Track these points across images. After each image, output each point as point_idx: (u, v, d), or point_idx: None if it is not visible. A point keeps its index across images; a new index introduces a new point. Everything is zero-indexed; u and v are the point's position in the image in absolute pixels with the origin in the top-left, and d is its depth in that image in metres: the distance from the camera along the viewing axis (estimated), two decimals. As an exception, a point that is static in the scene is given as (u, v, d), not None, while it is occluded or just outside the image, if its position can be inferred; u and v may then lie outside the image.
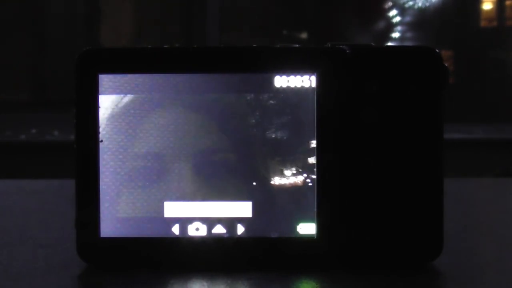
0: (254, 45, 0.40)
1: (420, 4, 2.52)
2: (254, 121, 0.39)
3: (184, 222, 0.39)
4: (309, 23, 2.59)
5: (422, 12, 2.54)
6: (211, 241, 0.39)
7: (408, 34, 2.57)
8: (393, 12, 2.56)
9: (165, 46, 0.39)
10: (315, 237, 0.39)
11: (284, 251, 0.39)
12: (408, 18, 2.56)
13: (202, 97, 0.39)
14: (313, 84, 0.39)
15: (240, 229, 0.39)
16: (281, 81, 0.39)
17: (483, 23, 2.62)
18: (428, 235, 0.39)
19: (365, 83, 0.39)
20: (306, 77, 0.39)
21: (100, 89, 0.39)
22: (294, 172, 0.39)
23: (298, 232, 0.39)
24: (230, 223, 0.39)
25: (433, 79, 0.39)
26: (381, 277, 0.37)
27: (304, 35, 2.63)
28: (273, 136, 0.39)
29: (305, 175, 0.39)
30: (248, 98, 0.39)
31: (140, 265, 0.39)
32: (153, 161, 0.39)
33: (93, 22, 2.50)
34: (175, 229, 0.39)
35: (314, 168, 0.39)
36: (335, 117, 0.39)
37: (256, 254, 0.39)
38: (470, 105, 2.44)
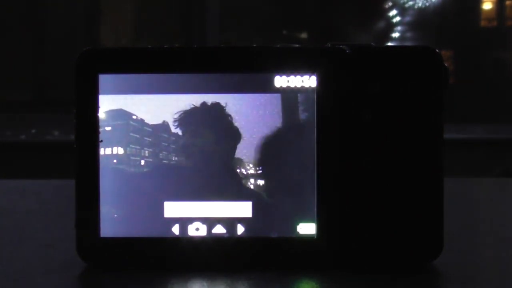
0: (254, 45, 0.40)
1: (420, 4, 2.52)
2: (254, 121, 0.39)
3: (184, 222, 0.39)
4: (309, 23, 2.59)
5: (422, 12, 2.54)
6: (211, 241, 0.39)
7: (408, 34, 2.57)
8: (393, 12, 2.56)
9: (165, 46, 0.39)
10: (315, 237, 0.39)
11: (284, 251, 0.39)
12: (408, 18, 2.56)
13: (202, 97, 0.39)
14: (313, 84, 0.39)
15: (240, 229, 0.39)
16: (281, 81, 0.39)
17: (483, 23, 2.62)
18: (428, 235, 0.39)
19: (365, 83, 0.39)
20: (306, 77, 0.39)
21: (100, 89, 0.39)
22: (294, 172, 0.39)
23: (298, 232, 0.39)
24: (230, 223, 0.39)
25: (433, 79, 0.39)
26: (381, 277, 0.38)
27: (304, 35, 2.63)
28: (273, 136, 0.39)
29: (305, 175, 0.39)
30: (248, 98, 0.39)
31: (140, 265, 0.39)
32: (153, 161, 0.39)
33: (93, 22, 2.49)
34: (175, 229, 0.39)
35: (314, 168, 0.39)
36: (335, 117, 0.39)
37: (256, 254, 0.39)
38: (470, 105, 2.44)
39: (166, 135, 0.39)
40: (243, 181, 0.39)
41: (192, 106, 0.39)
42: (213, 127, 0.39)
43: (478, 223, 0.57)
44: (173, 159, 0.39)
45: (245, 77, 0.39)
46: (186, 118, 0.39)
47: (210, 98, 0.39)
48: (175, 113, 0.39)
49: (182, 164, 0.39)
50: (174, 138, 0.39)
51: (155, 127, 0.39)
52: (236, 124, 0.39)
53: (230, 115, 0.39)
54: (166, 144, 0.39)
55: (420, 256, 0.39)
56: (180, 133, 0.39)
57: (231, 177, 0.40)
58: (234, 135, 0.39)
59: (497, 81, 2.55)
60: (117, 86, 0.39)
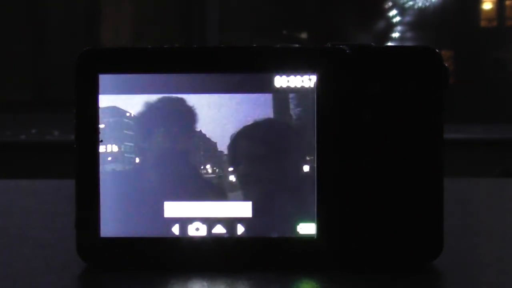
0: (254, 45, 0.40)
1: (420, 4, 2.52)
2: (254, 121, 0.39)
3: (184, 222, 0.39)
4: (309, 23, 2.59)
5: (422, 12, 2.54)
6: (211, 241, 0.39)
7: (408, 34, 2.57)
8: (393, 12, 2.56)
9: (165, 46, 0.39)
10: (315, 237, 0.39)
11: (284, 251, 0.39)
12: (408, 18, 2.56)
13: (202, 97, 0.39)
14: (313, 84, 0.39)
15: (240, 229, 0.39)
16: (281, 81, 0.39)
17: (483, 23, 2.62)
18: (428, 235, 0.39)
19: (365, 83, 0.39)
20: (306, 77, 0.39)
21: (100, 89, 0.39)
22: (294, 172, 0.39)
23: (298, 232, 0.39)
24: (230, 223, 0.39)
25: (433, 79, 0.39)
26: (381, 277, 0.37)
27: (304, 35, 2.63)
28: (273, 136, 0.39)
29: (305, 175, 0.39)
30: (248, 98, 0.39)
31: (140, 265, 0.39)
32: (153, 161, 0.39)
33: (93, 22, 2.49)
34: (175, 229, 0.39)
35: (314, 168, 0.39)
36: (335, 117, 0.39)
37: (256, 254, 0.39)
38: (470, 105, 2.44)
39: (166, 135, 0.39)
40: (243, 181, 0.39)
41: (192, 106, 0.39)
42: (213, 127, 0.39)
43: (478, 223, 0.57)
44: (173, 158, 0.39)
45: (245, 77, 0.39)
46: (186, 118, 0.39)
47: (210, 98, 0.39)
48: (175, 113, 0.39)
49: (182, 164, 0.39)
50: (173, 138, 0.39)
51: (155, 126, 0.39)
52: (235, 124, 0.39)
53: (229, 115, 0.39)
54: (166, 144, 0.39)
55: (420, 256, 0.39)
56: (180, 133, 0.39)
57: (230, 177, 0.40)
58: (233, 135, 0.39)
59: (497, 81, 2.55)
60: (117, 86, 0.39)
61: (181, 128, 0.39)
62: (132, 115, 0.39)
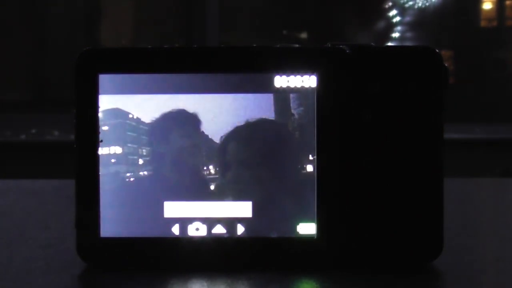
0: (254, 45, 0.40)
1: (420, 4, 2.52)
2: (254, 121, 0.39)
3: (184, 222, 0.39)
4: (309, 23, 2.59)
5: (422, 12, 2.54)
6: (211, 241, 0.39)
7: (408, 34, 2.57)
8: (393, 12, 2.56)
9: (165, 46, 0.39)
10: (315, 237, 0.39)
11: (284, 251, 0.39)
12: (408, 18, 2.56)
13: (202, 97, 0.39)
14: (313, 84, 0.39)
15: (240, 229, 0.39)
16: (281, 81, 0.39)
17: (483, 23, 2.62)
18: (428, 235, 0.39)
19: (365, 83, 0.39)
20: (306, 77, 0.39)
21: (100, 89, 0.39)
22: (294, 172, 0.39)
23: (298, 232, 0.39)
24: (230, 223, 0.39)
25: (433, 79, 0.39)
26: (381, 277, 0.38)
27: (304, 35, 2.62)
28: (273, 136, 0.39)
29: (305, 175, 0.39)
30: (248, 98, 0.39)
31: (140, 265, 0.39)
32: (153, 160, 0.39)
33: (93, 22, 2.49)
34: (175, 229, 0.39)
35: (314, 168, 0.39)
36: (335, 117, 0.39)
37: (256, 254, 0.39)
38: (470, 105, 2.44)
39: (165, 135, 0.39)
40: (243, 181, 0.39)
41: (192, 106, 0.39)
42: (213, 127, 0.39)
43: (478, 223, 0.57)
44: (173, 158, 0.39)
45: (245, 77, 0.39)
46: (186, 118, 0.39)
47: (210, 98, 0.39)
48: (175, 113, 0.39)
49: (182, 164, 0.39)
50: (173, 138, 0.39)
51: (155, 126, 0.39)
52: (235, 124, 0.39)
53: (229, 115, 0.39)
54: (166, 144, 0.39)
55: (420, 256, 0.39)
56: (179, 133, 0.39)
57: (230, 177, 0.40)
58: (234, 135, 0.39)
59: (497, 81, 2.55)
60: (117, 86, 0.39)
61: (182, 128, 0.39)
62: (133, 116, 0.39)
